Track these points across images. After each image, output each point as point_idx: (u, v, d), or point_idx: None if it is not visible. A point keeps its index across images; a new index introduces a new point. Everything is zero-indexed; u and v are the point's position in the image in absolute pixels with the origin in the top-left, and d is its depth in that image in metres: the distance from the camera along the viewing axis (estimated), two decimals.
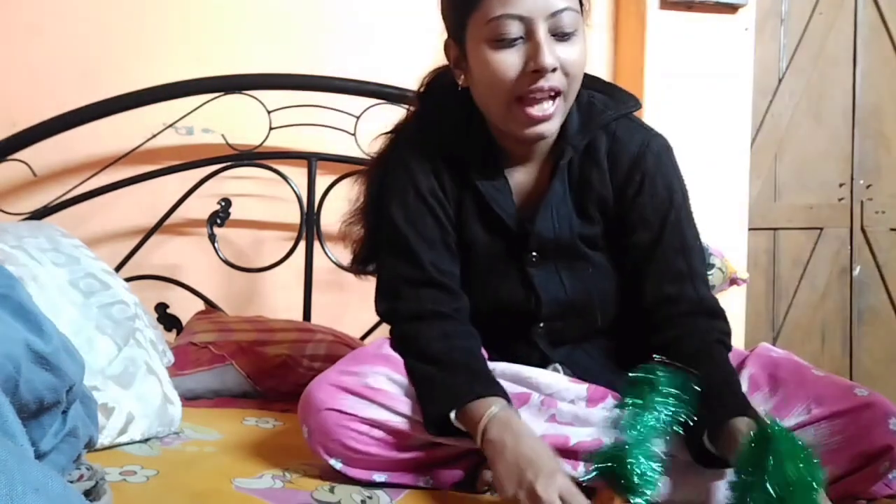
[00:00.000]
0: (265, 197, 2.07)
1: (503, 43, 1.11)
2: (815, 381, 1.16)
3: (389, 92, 1.98)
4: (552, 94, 1.14)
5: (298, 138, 2.02)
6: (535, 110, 1.14)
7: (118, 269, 1.90)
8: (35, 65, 1.99)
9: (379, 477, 1.15)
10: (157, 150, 2.01)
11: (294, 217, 2.03)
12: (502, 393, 1.11)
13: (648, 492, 0.96)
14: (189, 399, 1.56)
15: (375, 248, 1.32)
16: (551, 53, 1.11)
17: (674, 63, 2.21)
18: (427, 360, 1.16)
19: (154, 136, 1.98)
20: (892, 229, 2.68)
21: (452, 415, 1.09)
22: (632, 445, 0.96)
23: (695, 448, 1.07)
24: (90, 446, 1.08)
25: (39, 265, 1.41)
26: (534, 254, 1.23)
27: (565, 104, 1.17)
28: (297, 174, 2.01)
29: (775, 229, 2.56)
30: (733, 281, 1.92)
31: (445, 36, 1.23)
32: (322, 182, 2.02)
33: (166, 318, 1.98)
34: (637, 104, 1.27)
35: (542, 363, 1.25)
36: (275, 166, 2.00)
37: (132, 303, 1.51)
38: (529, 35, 1.11)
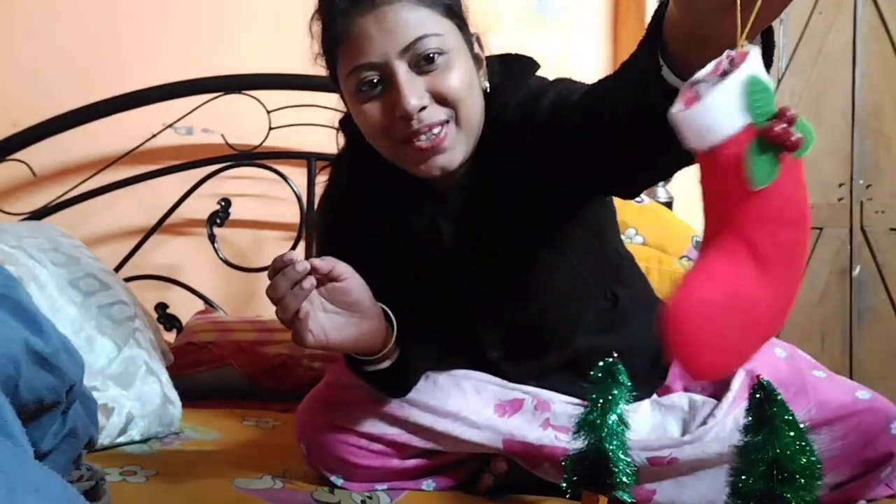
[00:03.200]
0: (265, 197, 2.08)
1: (365, 94, 1.03)
2: (816, 385, 1.14)
3: None
4: (434, 127, 1.03)
5: (298, 138, 2.02)
6: (422, 141, 1.02)
7: (118, 269, 1.90)
8: (35, 65, 1.99)
9: (381, 487, 1.16)
10: (157, 150, 2.01)
11: (294, 217, 2.03)
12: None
13: (629, 483, 0.96)
14: (189, 399, 1.56)
15: None
16: (414, 92, 1.00)
17: None
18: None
19: (154, 136, 1.98)
20: (892, 229, 2.68)
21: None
22: (605, 442, 0.96)
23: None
24: (90, 446, 1.07)
25: (39, 265, 1.41)
26: (463, 282, 1.15)
27: (460, 129, 1.04)
28: (297, 174, 2.01)
29: None
30: None
31: None
32: (322, 182, 2.01)
33: (166, 318, 1.98)
34: (530, 65, 1.13)
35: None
36: (274, 166, 2.00)
37: (132, 303, 1.51)
38: (388, 79, 1.01)
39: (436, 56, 1.02)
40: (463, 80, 1.03)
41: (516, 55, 1.16)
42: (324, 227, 1.22)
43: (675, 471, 1.10)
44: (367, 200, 1.17)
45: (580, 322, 1.18)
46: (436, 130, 1.02)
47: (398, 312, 1.08)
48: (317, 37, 1.10)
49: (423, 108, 1.01)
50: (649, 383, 1.20)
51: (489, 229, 1.12)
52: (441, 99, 1.02)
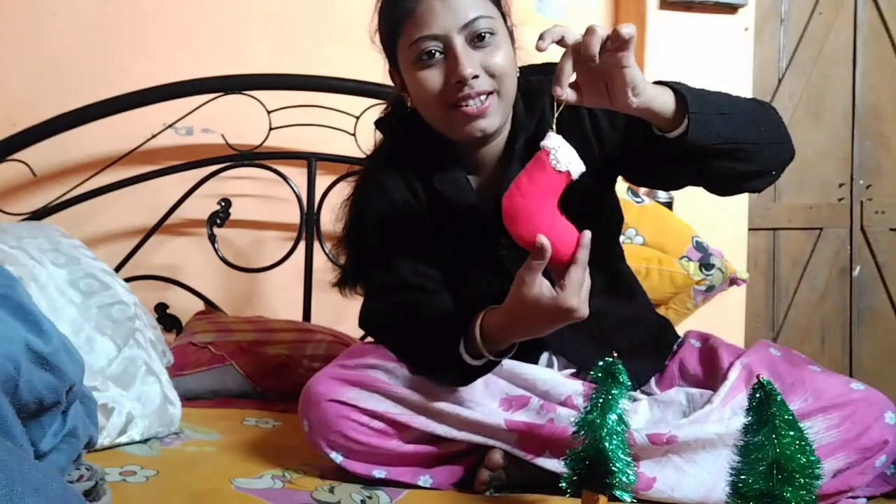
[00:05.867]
0: (265, 197, 2.08)
1: (425, 62, 1.19)
2: (813, 376, 1.18)
3: (389, 92, 1.97)
4: (482, 94, 1.19)
5: (298, 138, 2.02)
6: (469, 107, 1.18)
7: (118, 269, 1.90)
8: (35, 65, 1.99)
9: (379, 473, 1.16)
10: (157, 151, 2.01)
11: (294, 217, 2.03)
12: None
13: (630, 483, 0.96)
14: (189, 399, 1.56)
15: (357, 270, 1.37)
16: (470, 62, 1.17)
17: (673, 63, 2.21)
18: (406, 334, 1.21)
19: (154, 136, 1.98)
20: (892, 229, 2.68)
21: (462, 352, 1.12)
22: (605, 442, 0.97)
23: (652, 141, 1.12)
24: (90, 446, 1.08)
25: (39, 265, 1.41)
26: (503, 241, 1.23)
27: (501, 101, 1.21)
28: (297, 174, 2.01)
29: (775, 229, 2.56)
30: (733, 281, 1.92)
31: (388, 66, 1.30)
32: (322, 182, 2.02)
33: (166, 319, 1.98)
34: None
35: (530, 355, 1.26)
36: (275, 166, 2.00)
37: (132, 303, 1.51)
38: (448, 50, 1.17)
39: (487, 35, 1.18)
40: (507, 59, 1.20)
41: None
42: (367, 213, 1.32)
43: (675, 452, 1.12)
44: (408, 180, 1.30)
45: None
46: (483, 98, 1.19)
47: (442, 287, 1.27)
48: (379, 12, 1.26)
49: (476, 77, 1.17)
50: (653, 361, 1.31)
51: None
52: (490, 72, 1.19)
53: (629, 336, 1.29)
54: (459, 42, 1.17)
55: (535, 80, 1.28)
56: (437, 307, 1.22)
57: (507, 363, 1.23)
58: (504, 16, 1.25)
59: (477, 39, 1.18)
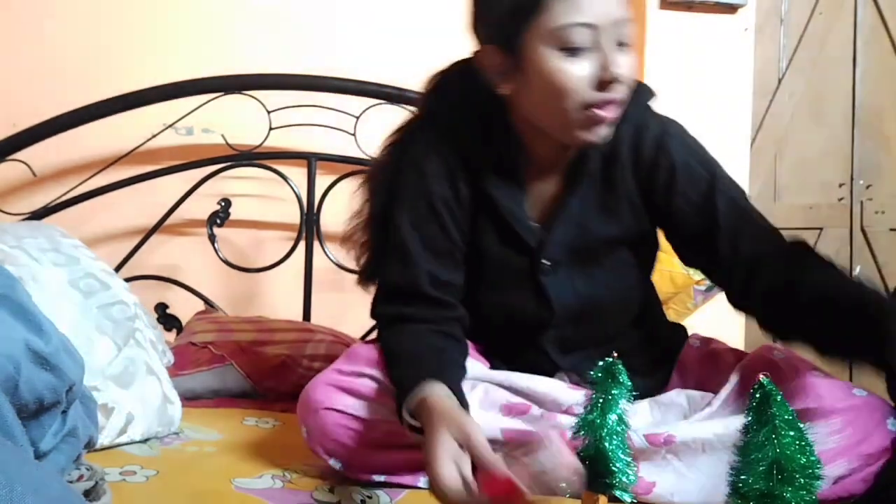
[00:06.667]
0: (265, 197, 2.08)
1: (572, 52, 1.07)
2: (814, 381, 1.15)
3: (389, 92, 1.98)
4: (617, 101, 1.11)
5: (298, 138, 2.02)
6: (607, 112, 1.10)
7: (118, 269, 1.90)
8: (35, 65, 1.99)
9: (378, 478, 1.16)
10: (157, 151, 2.01)
11: (294, 217, 2.03)
12: (444, 379, 1.05)
13: (630, 483, 0.96)
14: (189, 399, 1.56)
15: (378, 262, 1.28)
16: (618, 64, 1.07)
17: (673, 63, 2.21)
18: (394, 360, 1.14)
19: (154, 136, 1.98)
20: (892, 229, 2.68)
21: (405, 413, 1.06)
22: (605, 442, 0.96)
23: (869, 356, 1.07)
24: (90, 446, 1.08)
25: (39, 265, 1.41)
26: (547, 262, 1.21)
27: (620, 112, 1.14)
28: (297, 174, 2.01)
29: None
30: None
31: (466, 42, 1.19)
32: (322, 182, 2.02)
33: (166, 318, 1.98)
34: (651, 92, 1.24)
35: (551, 371, 1.25)
36: (275, 166, 2.00)
37: (132, 303, 1.51)
38: (597, 44, 1.06)
39: (628, 42, 1.09)
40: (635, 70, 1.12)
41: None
42: (409, 207, 1.20)
43: (675, 455, 1.11)
44: (451, 169, 1.20)
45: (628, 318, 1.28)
46: (618, 104, 1.11)
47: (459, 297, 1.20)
48: None
49: (621, 83, 1.09)
50: (665, 372, 1.29)
51: (579, 217, 1.21)
52: (625, 81, 1.10)
53: (646, 357, 1.28)
54: (610, 39, 1.07)
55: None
56: (436, 348, 1.14)
57: (506, 375, 1.22)
58: None
59: (621, 41, 1.08)
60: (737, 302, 1.22)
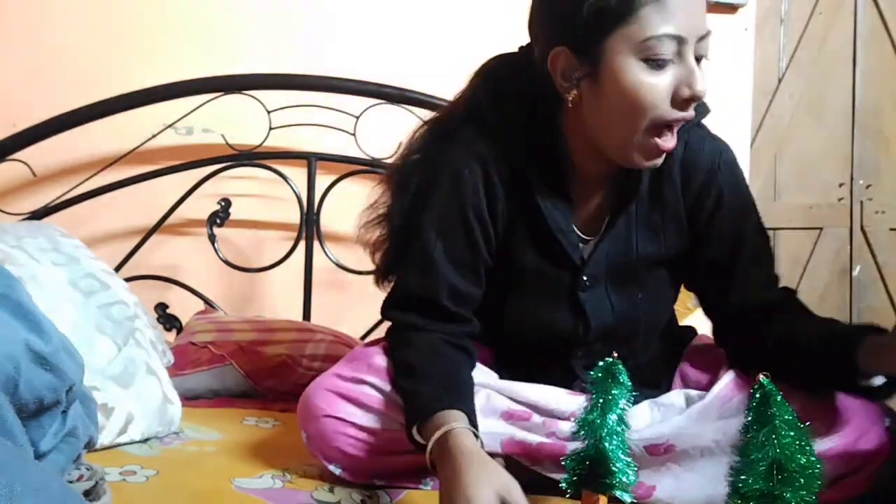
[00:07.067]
0: (265, 197, 2.07)
1: (657, 64, 1.01)
2: None
3: (389, 92, 1.97)
4: (687, 121, 1.07)
5: (298, 138, 2.02)
6: (666, 141, 1.05)
7: (118, 269, 1.90)
8: (35, 65, 1.99)
9: (379, 482, 1.15)
10: (157, 151, 2.01)
11: (294, 217, 2.03)
12: (465, 408, 1.04)
13: (630, 483, 0.96)
14: (189, 399, 1.56)
15: (397, 260, 1.23)
16: (700, 80, 1.02)
17: None
18: (405, 371, 1.12)
19: (154, 136, 1.98)
20: (892, 229, 2.68)
21: (414, 430, 1.05)
22: (605, 442, 0.96)
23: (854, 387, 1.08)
24: (90, 446, 1.08)
25: (39, 265, 1.41)
26: (586, 278, 1.18)
27: None
28: (297, 174, 2.01)
29: (775, 229, 2.56)
30: None
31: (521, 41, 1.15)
32: (322, 182, 2.02)
33: (166, 318, 1.98)
34: (706, 108, 1.17)
35: (569, 384, 1.23)
36: (274, 166, 2.00)
37: (132, 303, 1.51)
38: (681, 57, 1.01)
39: (707, 57, 1.05)
40: None
41: None
42: (438, 214, 1.15)
43: (674, 461, 1.10)
44: (489, 175, 1.13)
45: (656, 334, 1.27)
46: (673, 135, 1.06)
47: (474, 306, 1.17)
48: None
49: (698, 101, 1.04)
50: (666, 377, 1.28)
51: (625, 234, 1.18)
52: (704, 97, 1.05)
53: (661, 367, 1.28)
54: (693, 52, 1.02)
55: None
56: (448, 362, 1.12)
57: (507, 384, 1.20)
58: None
59: (700, 56, 1.03)
60: (718, 333, 1.26)
